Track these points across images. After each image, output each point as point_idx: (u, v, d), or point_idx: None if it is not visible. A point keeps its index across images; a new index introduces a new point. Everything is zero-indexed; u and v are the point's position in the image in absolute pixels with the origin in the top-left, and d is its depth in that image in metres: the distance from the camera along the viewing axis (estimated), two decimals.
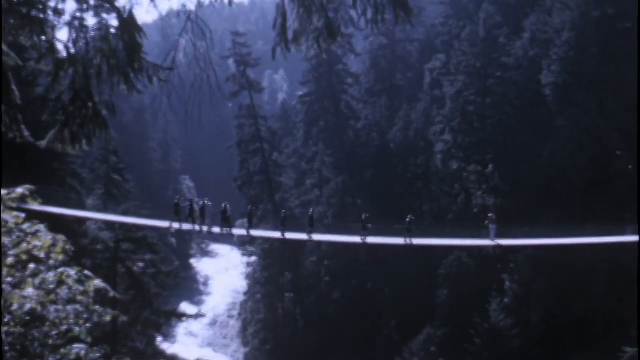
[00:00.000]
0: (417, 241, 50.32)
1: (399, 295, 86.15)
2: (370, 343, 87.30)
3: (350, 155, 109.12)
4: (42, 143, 14.00)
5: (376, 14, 13.75)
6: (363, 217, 51.09)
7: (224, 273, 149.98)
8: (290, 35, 14.07)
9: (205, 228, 54.12)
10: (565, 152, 76.05)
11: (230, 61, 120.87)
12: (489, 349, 70.92)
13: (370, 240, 51.08)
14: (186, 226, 54.76)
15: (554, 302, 70.82)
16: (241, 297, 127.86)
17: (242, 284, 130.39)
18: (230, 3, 16.67)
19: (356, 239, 51.22)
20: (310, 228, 51.71)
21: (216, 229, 53.40)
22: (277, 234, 54.59)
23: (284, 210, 58.73)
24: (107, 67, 12.79)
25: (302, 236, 54.61)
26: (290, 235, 54.83)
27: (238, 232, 60.62)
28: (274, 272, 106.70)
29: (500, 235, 49.16)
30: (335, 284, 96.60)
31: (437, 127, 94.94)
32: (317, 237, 55.03)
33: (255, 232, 58.80)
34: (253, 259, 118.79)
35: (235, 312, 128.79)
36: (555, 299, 70.75)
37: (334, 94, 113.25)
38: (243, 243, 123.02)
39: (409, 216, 51.36)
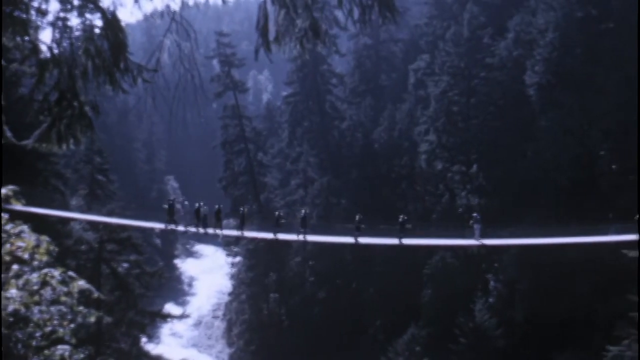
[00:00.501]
0: (406, 241, 50.27)
1: (384, 295, 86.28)
2: (355, 343, 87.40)
3: (334, 156, 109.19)
4: (28, 142, 13.96)
5: (363, 14, 13.78)
6: (357, 217, 50.96)
7: (209, 273, 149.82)
8: (272, 35, 14.07)
9: (198, 229, 54.07)
10: (549, 152, 76.33)
11: (215, 61, 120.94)
12: (474, 349, 71.09)
13: (364, 240, 51.01)
14: (173, 226, 54.71)
15: (538, 301, 71.05)
16: (226, 298, 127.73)
17: (226, 285, 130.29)
18: (224, 1, 16.67)
19: (349, 239, 51.12)
20: (303, 229, 51.57)
21: (210, 230, 53.37)
22: (270, 235, 54.41)
23: (277, 212, 58.51)
24: (93, 67, 12.76)
25: (295, 237, 54.48)
26: (284, 236, 54.83)
27: (233, 233, 60.60)
28: (258, 272, 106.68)
29: (485, 235, 49.28)
30: (320, 284, 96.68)
31: (421, 127, 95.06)
32: (310, 237, 54.84)
33: (248, 233, 58.60)
34: (238, 259, 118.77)
35: (220, 313, 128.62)
36: (540, 298, 70.97)
37: (319, 95, 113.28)
38: (228, 243, 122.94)
39: (401, 216, 51.31)
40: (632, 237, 44.38)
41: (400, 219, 49.99)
